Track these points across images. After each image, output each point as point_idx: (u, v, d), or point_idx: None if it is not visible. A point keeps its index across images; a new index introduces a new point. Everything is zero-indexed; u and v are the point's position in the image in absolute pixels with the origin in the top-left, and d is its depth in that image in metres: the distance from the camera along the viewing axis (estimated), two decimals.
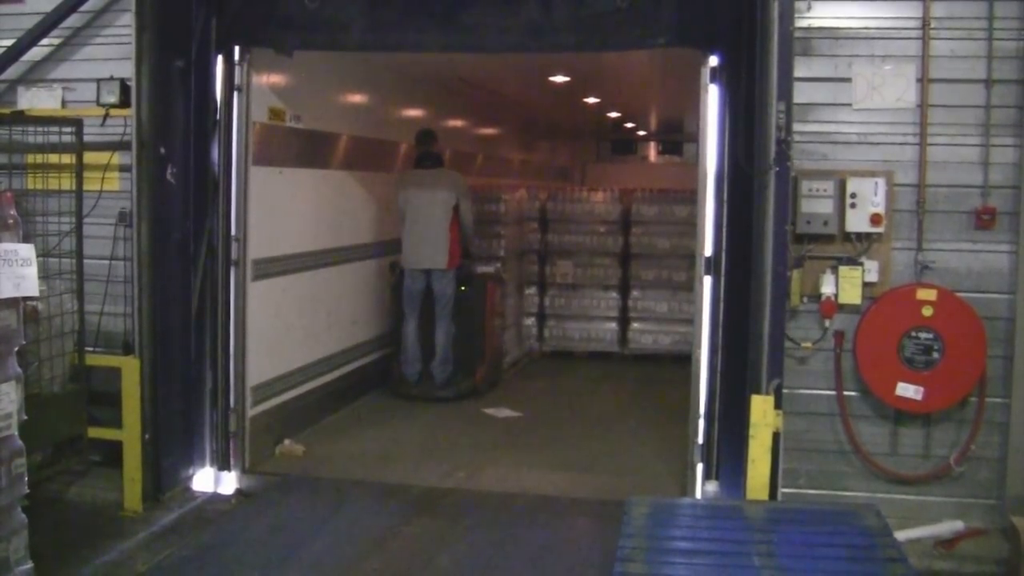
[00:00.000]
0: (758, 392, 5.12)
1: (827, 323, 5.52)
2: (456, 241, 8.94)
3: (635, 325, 11.05)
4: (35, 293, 4.19)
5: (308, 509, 6.07)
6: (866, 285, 5.47)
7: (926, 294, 5.38)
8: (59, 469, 5.81)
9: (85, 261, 5.91)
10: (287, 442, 7.17)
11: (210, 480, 6.40)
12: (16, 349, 4.17)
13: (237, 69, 6.34)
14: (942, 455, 5.54)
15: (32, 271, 4.09)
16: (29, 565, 4.19)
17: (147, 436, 5.89)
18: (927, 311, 5.37)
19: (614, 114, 17.60)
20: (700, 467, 5.96)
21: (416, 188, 8.87)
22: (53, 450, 5.73)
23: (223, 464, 6.45)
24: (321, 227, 7.95)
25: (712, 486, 5.84)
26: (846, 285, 5.47)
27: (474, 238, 9.50)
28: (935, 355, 5.39)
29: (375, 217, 9.10)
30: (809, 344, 5.55)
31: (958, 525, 5.35)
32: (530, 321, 11.23)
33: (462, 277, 9.12)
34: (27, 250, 4.09)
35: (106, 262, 6.13)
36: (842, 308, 5.50)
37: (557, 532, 5.79)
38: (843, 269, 5.47)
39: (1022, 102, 5.38)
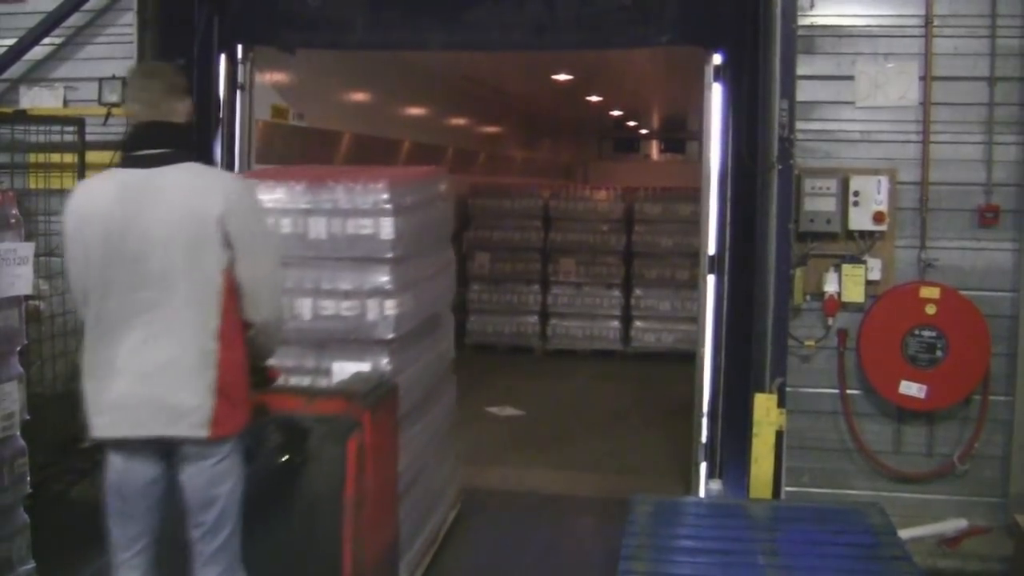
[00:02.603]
0: (761, 390, 5.10)
1: (830, 321, 5.51)
2: (235, 362, 3.38)
3: (638, 323, 11.04)
4: (28, 291, 4.17)
5: None
6: (869, 283, 5.47)
7: (929, 292, 5.37)
8: (62, 468, 5.80)
9: None
10: None
11: None
12: (18, 348, 4.17)
13: (240, 67, 6.32)
14: (946, 453, 5.53)
15: (27, 269, 4.07)
16: (32, 565, 4.19)
17: None
18: (930, 309, 5.36)
19: (617, 112, 17.62)
20: (704, 465, 5.94)
21: (116, 222, 3.30)
22: (55, 449, 5.72)
23: None
24: None
25: (716, 484, 5.83)
26: (849, 283, 5.46)
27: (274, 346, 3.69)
28: (938, 353, 5.38)
29: None
30: (812, 342, 5.54)
31: (962, 523, 5.33)
32: (532, 319, 11.22)
33: (270, 439, 3.81)
34: (25, 248, 4.07)
35: None
36: (845, 306, 5.50)
37: (561, 531, 5.79)
38: (846, 267, 5.47)
39: None
